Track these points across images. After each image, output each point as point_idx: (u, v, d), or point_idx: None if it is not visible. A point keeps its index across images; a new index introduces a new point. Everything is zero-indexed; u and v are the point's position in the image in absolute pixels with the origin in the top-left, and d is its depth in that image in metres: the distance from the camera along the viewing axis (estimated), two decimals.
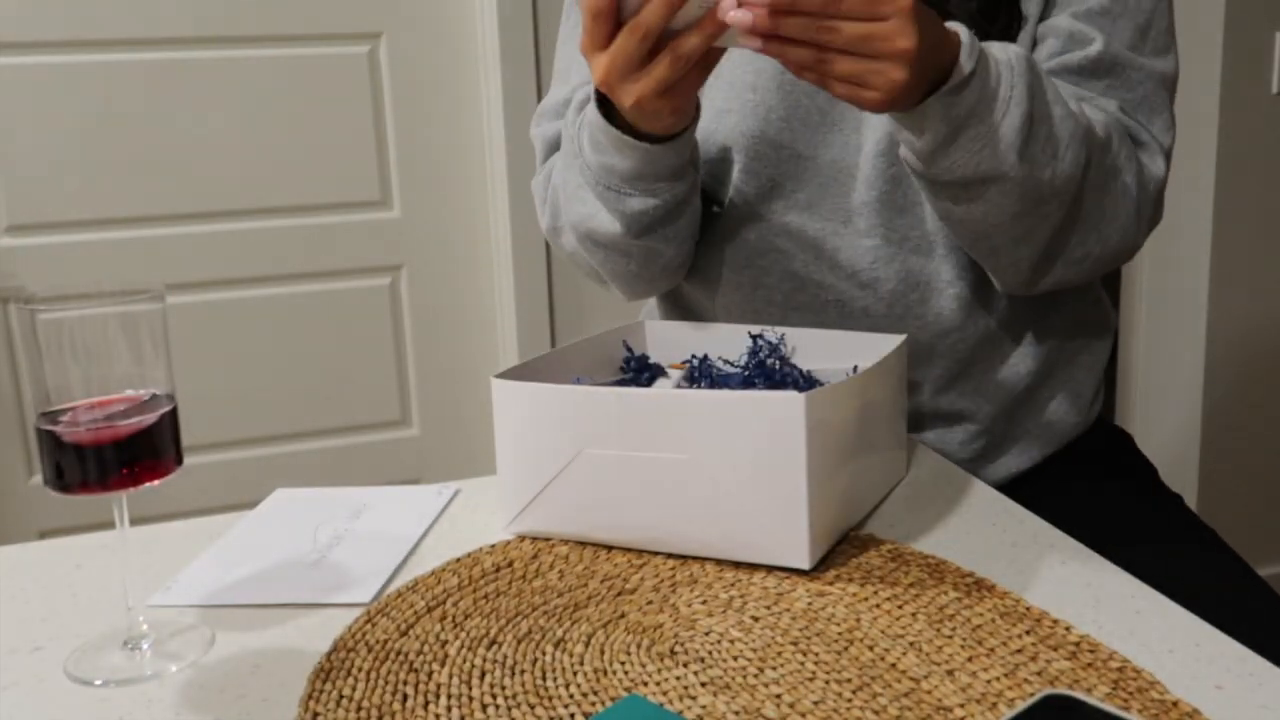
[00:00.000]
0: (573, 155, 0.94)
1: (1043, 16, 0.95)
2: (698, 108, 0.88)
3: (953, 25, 0.78)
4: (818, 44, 0.71)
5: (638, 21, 0.75)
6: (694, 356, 0.96)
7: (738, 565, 0.77)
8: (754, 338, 0.95)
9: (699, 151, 0.96)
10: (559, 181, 1.00)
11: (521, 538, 0.83)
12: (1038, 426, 1.04)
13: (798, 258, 0.99)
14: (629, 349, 0.97)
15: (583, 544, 0.81)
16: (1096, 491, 1.03)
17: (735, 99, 0.99)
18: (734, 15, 0.71)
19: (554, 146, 1.07)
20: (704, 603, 0.72)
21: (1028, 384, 1.02)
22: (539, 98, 1.99)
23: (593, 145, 0.90)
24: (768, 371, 0.91)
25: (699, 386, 0.91)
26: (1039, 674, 0.62)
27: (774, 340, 0.95)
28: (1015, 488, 1.01)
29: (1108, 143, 0.88)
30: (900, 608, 0.70)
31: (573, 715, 0.60)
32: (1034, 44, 0.95)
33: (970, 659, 0.63)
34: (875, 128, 0.96)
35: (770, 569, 0.76)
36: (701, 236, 1.03)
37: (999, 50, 0.81)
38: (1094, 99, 0.92)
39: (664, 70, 0.76)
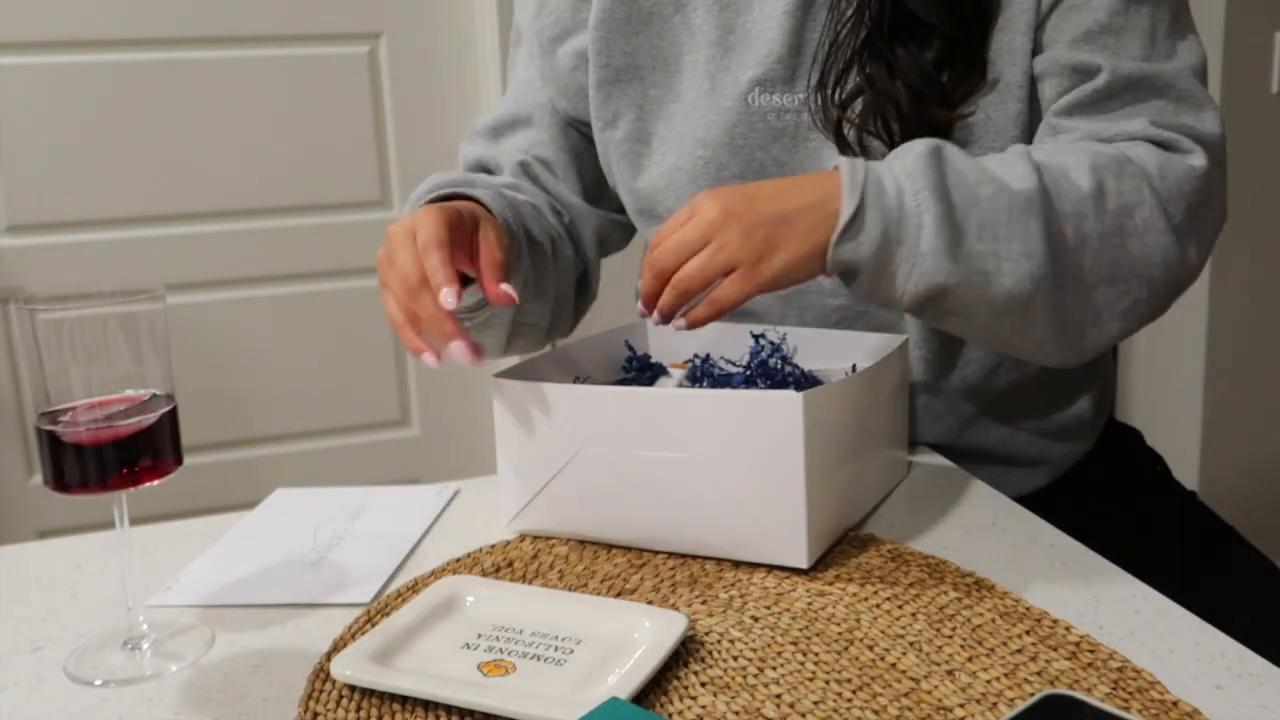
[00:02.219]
0: None
1: (1036, 50, 0.86)
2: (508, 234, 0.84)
3: (840, 160, 0.76)
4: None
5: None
6: (696, 356, 0.96)
7: (738, 565, 0.77)
8: (756, 337, 0.95)
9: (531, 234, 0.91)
10: None
11: (521, 538, 0.83)
12: (1044, 454, 1.02)
13: (764, 318, 0.98)
14: (630, 348, 0.97)
15: (583, 544, 0.81)
16: (1111, 492, 1.02)
17: (685, 155, 0.94)
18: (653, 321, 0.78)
19: (470, 169, 1.03)
20: (704, 603, 0.72)
21: (1022, 416, 1.00)
22: None
23: None
24: (770, 371, 0.91)
25: (701, 386, 0.91)
26: (1039, 674, 0.62)
27: (776, 340, 0.94)
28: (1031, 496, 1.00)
29: (1099, 189, 0.79)
30: (900, 608, 0.70)
31: None
32: (1032, 84, 0.87)
33: (970, 659, 0.63)
34: None
35: (770, 569, 0.76)
36: None
37: (898, 160, 0.76)
38: (1116, 128, 0.84)
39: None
